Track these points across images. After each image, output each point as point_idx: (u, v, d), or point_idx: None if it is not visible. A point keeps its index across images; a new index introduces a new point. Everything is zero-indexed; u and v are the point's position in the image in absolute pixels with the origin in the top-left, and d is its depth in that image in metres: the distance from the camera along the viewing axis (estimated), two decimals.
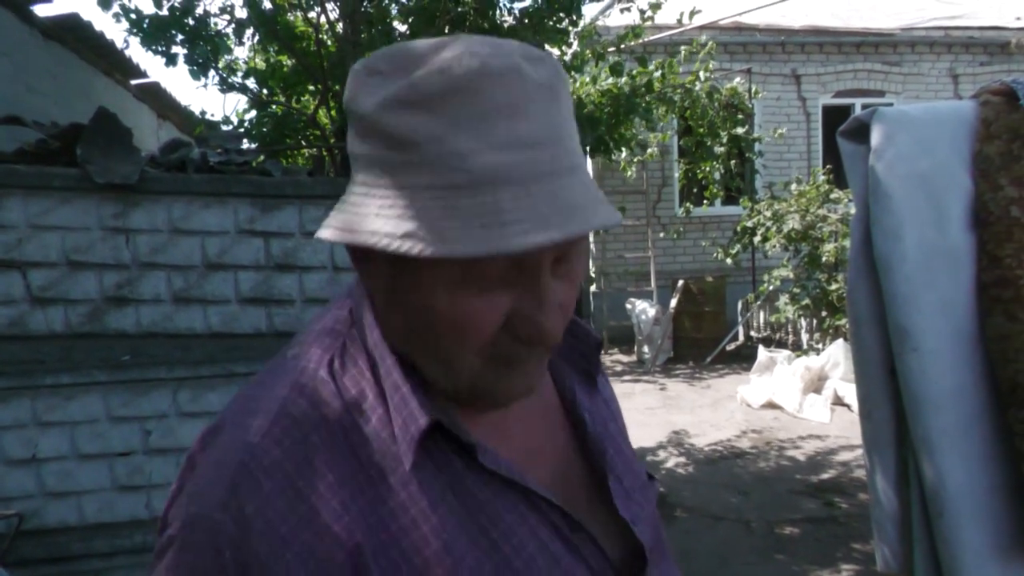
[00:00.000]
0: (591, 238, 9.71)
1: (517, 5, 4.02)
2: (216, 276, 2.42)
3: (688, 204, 9.11)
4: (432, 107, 0.53)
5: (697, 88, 7.92)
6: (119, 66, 4.78)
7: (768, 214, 7.76)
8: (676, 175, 9.42)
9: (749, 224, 7.95)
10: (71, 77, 4.07)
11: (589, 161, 9.44)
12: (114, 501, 2.34)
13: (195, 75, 3.38)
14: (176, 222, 2.41)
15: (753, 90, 8.88)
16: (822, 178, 7.56)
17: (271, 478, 0.56)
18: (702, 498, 4.47)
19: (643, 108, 4.16)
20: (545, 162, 0.54)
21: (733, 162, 8.85)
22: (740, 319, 8.83)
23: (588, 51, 4.77)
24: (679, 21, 5.51)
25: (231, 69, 4.03)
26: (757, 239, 7.83)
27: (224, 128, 4.37)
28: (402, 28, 3.88)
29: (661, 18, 6.93)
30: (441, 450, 0.62)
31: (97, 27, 4.16)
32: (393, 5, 3.79)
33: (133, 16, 3.54)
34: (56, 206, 2.31)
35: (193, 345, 2.39)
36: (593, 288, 9.72)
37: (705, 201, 9.05)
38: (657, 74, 6.77)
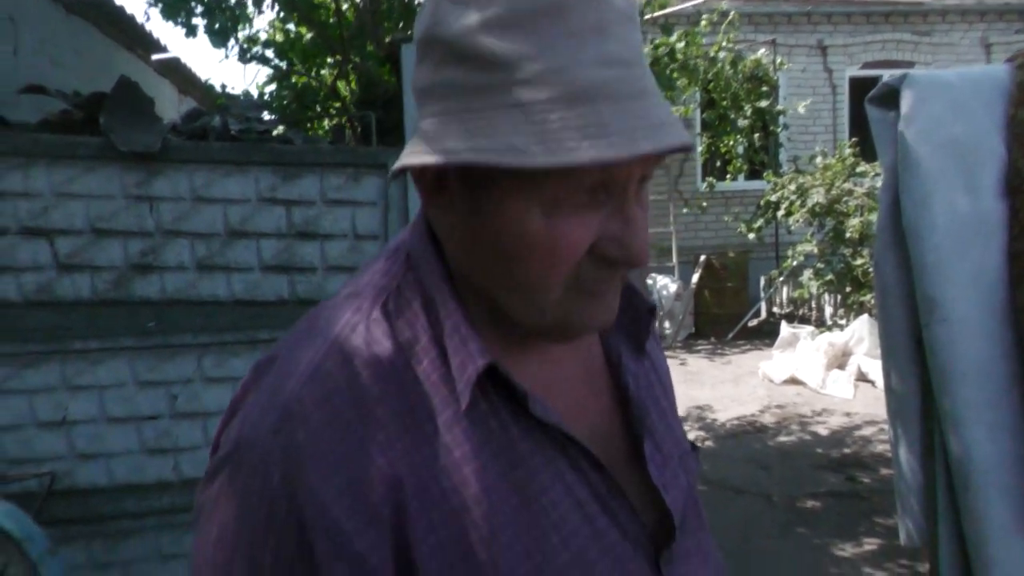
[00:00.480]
0: None
1: None
2: (239, 244, 2.44)
3: (711, 179, 8.99)
4: (525, 26, 0.53)
5: (720, 59, 7.79)
6: (140, 40, 4.80)
7: (792, 188, 7.63)
8: (698, 149, 9.30)
9: (773, 199, 7.84)
10: (93, 51, 4.09)
11: None
12: (143, 463, 2.40)
13: (216, 44, 3.38)
14: (198, 190, 2.43)
15: (778, 61, 8.71)
16: (848, 151, 7.42)
17: (321, 409, 0.56)
18: (723, 472, 4.47)
19: (666, 78, 4.08)
20: (635, 80, 0.55)
21: (757, 135, 8.71)
22: (763, 295, 8.75)
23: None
24: None
25: (251, 41, 4.03)
26: (780, 213, 7.73)
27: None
28: None
29: None
30: (489, 397, 0.62)
31: (118, 1, 4.17)
32: None
33: None
34: (80, 175, 2.34)
35: (217, 312, 2.42)
36: None
37: (728, 175, 8.94)
38: (680, 44, 6.66)
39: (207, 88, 6.19)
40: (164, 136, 2.36)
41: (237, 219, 2.45)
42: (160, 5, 3.47)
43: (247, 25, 3.84)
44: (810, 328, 6.99)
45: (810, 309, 8.20)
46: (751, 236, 8.30)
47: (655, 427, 0.73)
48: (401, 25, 3.60)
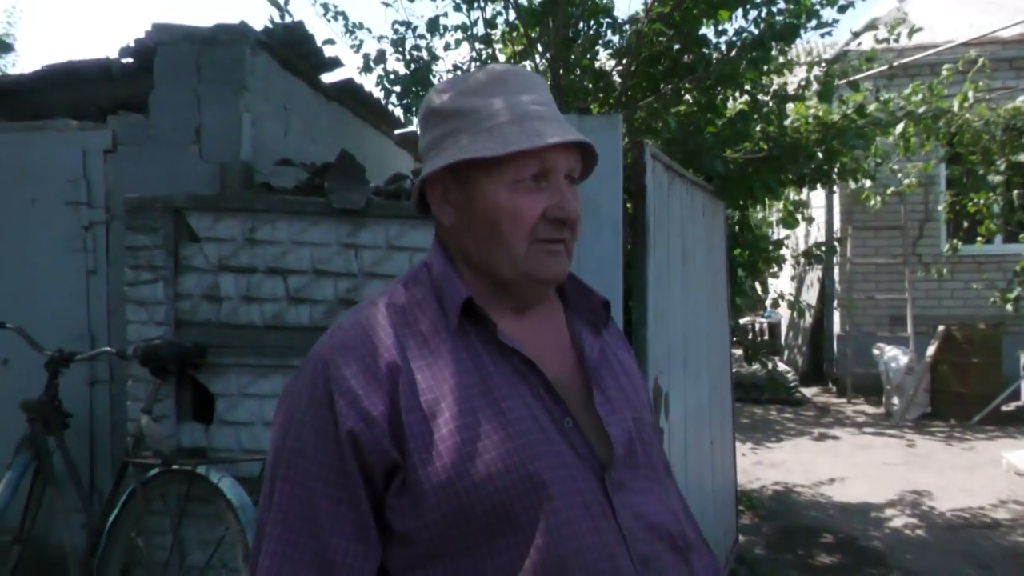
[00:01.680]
0: (836, 276, 9.00)
1: (724, 39, 4.07)
2: None
3: (956, 241, 8.05)
4: (482, 90, 0.94)
5: (967, 110, 7.05)
6: (384, 119, 5.71)
7: None
8: (940, 207, 8.39)
9: None
10: (346, 130, 4.98)
11: (836, 194, 8.81)
12: None
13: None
14: (392, 240, 2.93)
15: None
16: None
17: (352, 328, 0.92)
18: (930, 565, 3.99)
19: (855, 136, 3.92)
20: (554, 113, 0.95)
21: (1016, 192, 7.64)
22: (1023, 374, 7.53)
23: (824, 76, 4.61)
24: (895, 40, 5.06)
25: None
26: None
27: None
28: (609, 66, 4.16)
29: (926, 37, 6.33)
30: (471, 333, 0.93)
31: (367, 88, 5.06)
32: (600, 49, 4.10)
33: (391, 77, 4.29)
34: (309, 227, 2.96)
35: None
36: (837, 330, 8.98)
37: (979, 238, 7.92)
38: (915, 97, 6.20)
39: None
40: (368, 196, 2.91)
41: None
42: (392, 92, 4.18)
43: None
44: None
45: None
46: (1008, 307, 7.26)
47: (607, 386, 0.98)
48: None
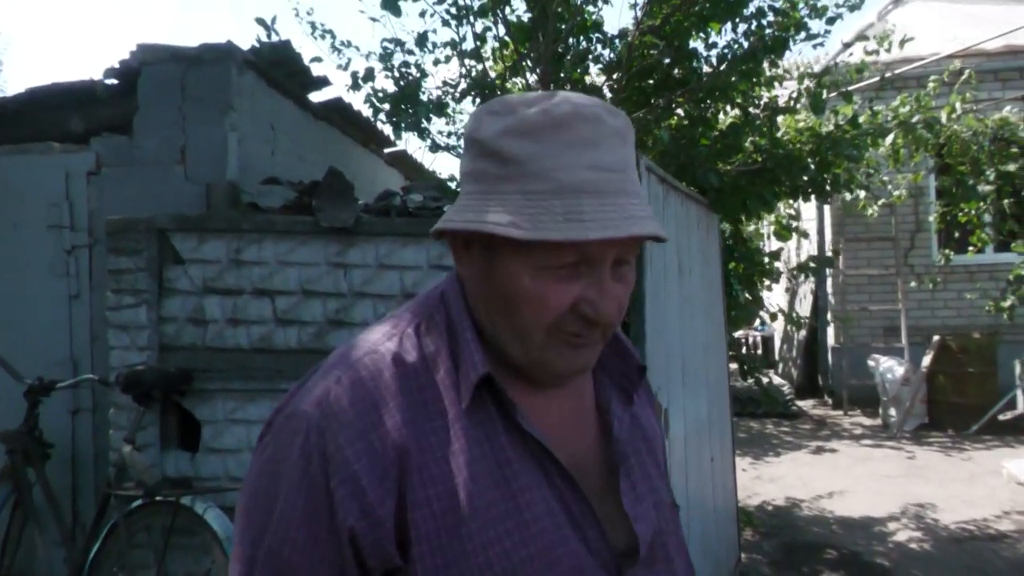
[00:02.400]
0: (829, 288, 8.99)
1: (714, 52, 4.06)
2: None
3: (947, 251, 8.05)
4: (535, 135, 0.74)
5: (954, 121, 7.08)
6: (373, 138, 5.68)
7: None
8: (931, 218, 8.41)
9: None
10: (335, 149, 4.93)
11: (827, 207, 8.83)
12: None
13: (420, 136, 3.99)
14: (382, 258, 2.87)
15: None
16: None
17: (352, 392, 0.75)
18: None
19: (849, 146, 3.90)
20: (616, 183, 0.74)
21: (1006, 202, 7.67)
22: (1019, 383, 7.50)
23: (815, 88, 4.61)
24: (886, 50, 5.07)
25: (452, 135, 4.60)
26: None
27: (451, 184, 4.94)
28: (600, 81, 4.14)
29: (912, 50, 6.37)
30: (488, 405, 0.78)
31: (356, 107, 5.02)
32: (591, 64, 4.08)
33: (380, 94, 4.25)
34: (297, 247, 2.90)
35: None
36: (832, 342, 8.94)
37: (971, 247, 7.93)
38: (904, 109, 6.22)
39: (430, 175, 7.05)
40: (358, 214, 2.85)
41: (411, 282, 2.84)
42: (380, 111, 4.14)
43: (448, 119, 4.41)
44: None
45: None
46: (1004, 316, 7.25)
47: (632, 469, 0.86)
48: None
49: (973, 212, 7.69)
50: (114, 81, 3.68)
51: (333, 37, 4.34)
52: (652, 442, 0.94)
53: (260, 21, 3.98)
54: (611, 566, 0.79)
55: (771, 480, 5.90)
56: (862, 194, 6.68)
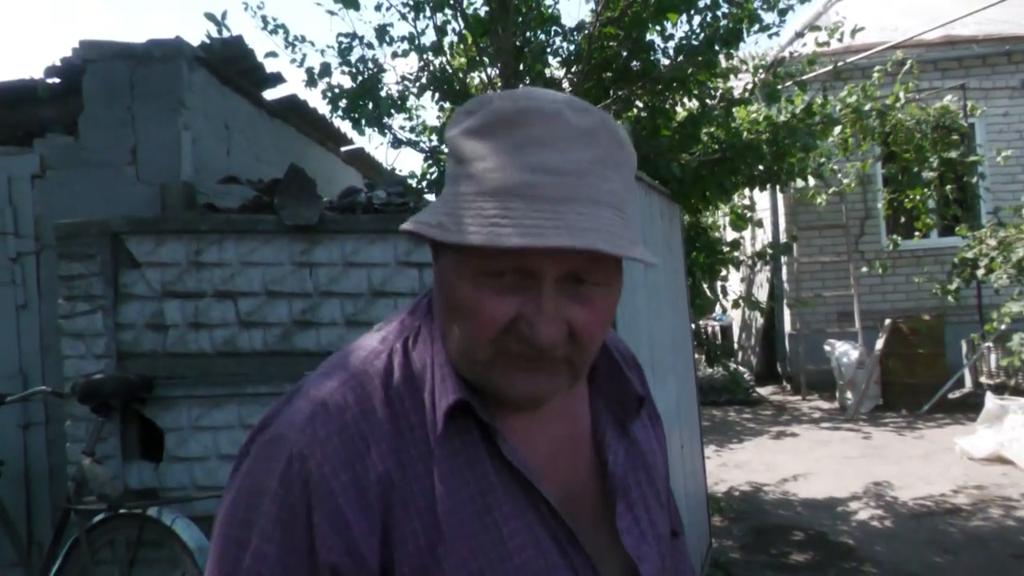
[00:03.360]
0: (784, 276, 9.20)
1: (671, 44, 4.09)
2: (380, 302, 2.77)
3: (895, 237, 8.31)
4: (486, 133, 0.67)
5: (899, 110, 7.31)
6: (330, 136, 5.58)
7: (992, 243, 6.86)
8: (879, 205, 8.67)
9: (969, 255, 7.09)
10: (291, 147, 4.83)
11: (780, 196, 9.02)
12: None
13: (381, 132, 3.93)
14: (348, 256, 2.81)
15: (969, 107, 7.99)
16: None
17: (337, 419, 0.70)
18: (898, 555, 4.03)
19: (806, 135, 3.99)
20: (563, 188, 0.64)
21: (949, 188, 7.96)
22: (966, 362, 7.80)
23: (765, 79, 4.69)
24: (839, 40, 5.19)
25: (412, 130, 4.55)
26: (980, 272, 6.95)
27: (412, 182, 4.88)
28: (560, 74, 4.14)
29: (858, 39, 6.55)
30: (472, 430, 0.72)
31: (311, 105, 4.92)
32: (549, 56, 4.07)
33: (336, 90, 4.17)
34: (260, 246, 2.82)
35: None
36: (788, 329, 9.15)
37: (917, 233, 8.20)
38: (850, 99, 6.40)
39: (388, 173, 6.97)
40: (322, 211, 2.78)
41: (379, 280, 2.79)
42: (338, 108, 4.07)
43: (408, 114, 4.36)
44: (1023, 400, 6.10)
45: None
46: (949, 298, 7.52)
47: (635, 504, 0.81)
48: None
49: (918, 198, 7.97)
50: (56, 80, 3.53)
51: (286, 32, 4.25)
52: (652, 471, 0.88)
53: (210, 16, 3.86)
54: None
55: (736, 466, 6.01)
56: (813, 183, 6.86)
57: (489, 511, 0.71)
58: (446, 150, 0.74)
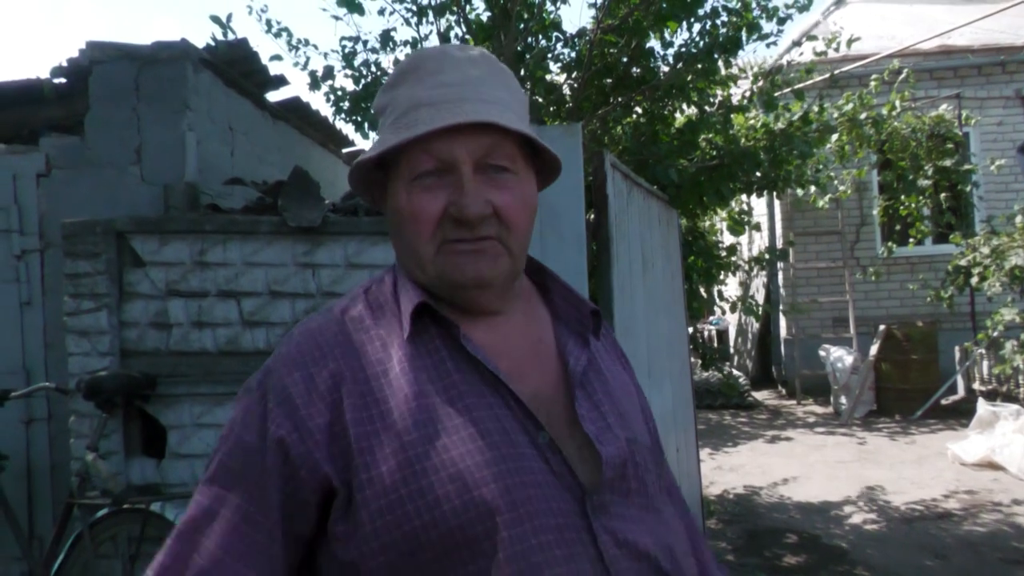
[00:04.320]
0: (780, 281, 9.25)
1: (671, 51, 4.15)
2: None
3: (890, 243, 8.38)
4: (394, 84, 0.87)
5: (895, 118, 7.38)
6: (332, 138, 5.62)
7: (986, 251, 6.93)
8: (875, 211, 8.73)
9: (963, 263, 7.16)
10: (293, 149, 4.87)
11: (777, 202, 9.08)
12: None
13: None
14: (351, 257, 2.85)
15: (964, 116, 8.06)
16: None
17: (302, 341, 0.83)
18: (890, 559, 4.07)
19: (802, 143, 4.05)
20: (454, 93, 0.81)
21: (943, 195, 8.03)
22: (959, 369, 7.86)
23: (761, 88, 4.74)
24: (835, 50, 5.25)
25: None
26: (974, 280, 7.01)
27: None
28: (560, 79, 4.19)
29: (855, 48, 6.61)
30: (434, 338, 0.83)
31: (314, 107, 4.96)
32: (550, 62, 4.13)
33: (340, 93, 4.22)
34: (263, 247, 2.86)
35: None
36: (784, 334, 9.21)
37: (911, 240, 8.28)
38: (847, 107, 6.46)
39: None
40: (325, 213, 2.82)
41: None
42: (341, 110, 4.11)
43: None
44: (1015, 407, 6.16)
45: (1016, 385, 7.22)
46: (944, 305, 7.58)
47: (599, 401, 0.87)
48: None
49: (913, 206, 8.04)
50: (62, 80, 3.56)
51: (289, 35, 4.29)
52: (624, 387, 0.95)
53: (215, 19, 3.91)
54: (575, 489, 0.78)
55: (731, 469, 6.05)
56: (813, 189, 6.91)
57: (453, 402, 0.79)
58: (376, 115, 0.90)
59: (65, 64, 3.49)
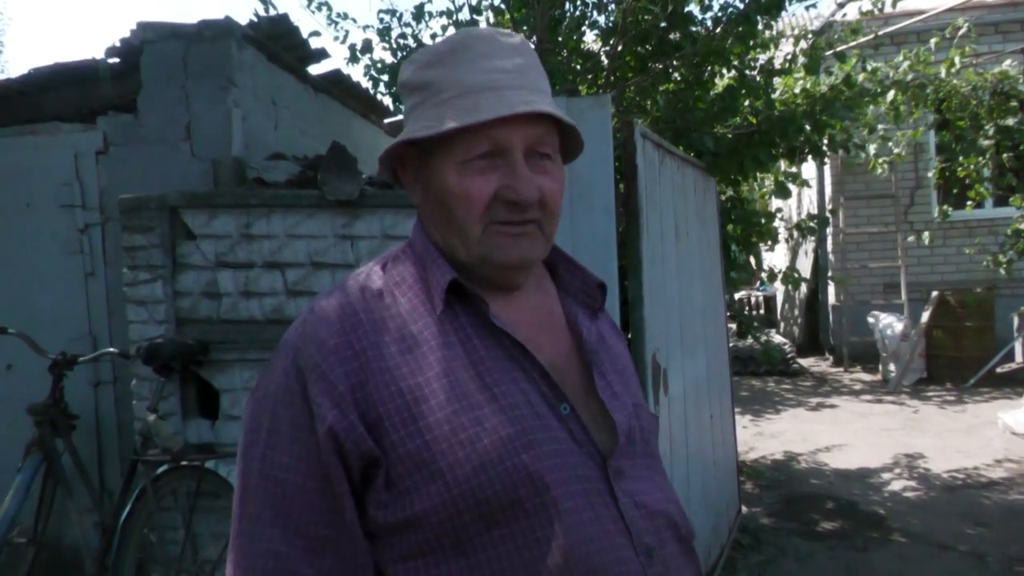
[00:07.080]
0: (829, 247, 9.05)
1: (709, 15, 4.07)
2: None
3: (946, 207, 8.09)
4: (442, 60, 0.87)
5: (953, 76, 7.07)
6: (374, 109, 5.70)
7: None
8: (930, 174, 8.42)
9: (1022, 227, 6.89)
10: (335, 121, 4.97)
11: (827, 167, 8.83)
12: None
13: None
14: (387, 229, 2.95)
15: None
16: None
17: (325, 316, 0.86)
18: (929, 526, 4.06)
19: (843, 107, 3.94)
20: (516, 80, 0.85)
21: (1005, 156, 7.69)
22: (1016, 336, 7.61)
23: (808, 50, 4.61)
24: (880, 9, 5.02)
25: None
26: None
27: None
28: (596, 46, 4.16)
29: (912, 3, 6.32)
30: (460, 315, 0.87)
31: (355, 79, 5.05)
32: (587, 30, 4.10)
33: (379, 66, 4.29)
34: (304, 220, 2.98)
35: None
36: (832, 300, 9.04)
37: (969, 203, 7.97)
38: (904, 64, 6.22)
39: None
40: (362, 187, 2.93)
41: None
42: (380, 82, 4.18)
43: None
44: None
45: None
46: (1001, 270, 7.33)
47: (606, 370, 0.94)
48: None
49: (972, 167, 7.72)
50: (116, 60, 3.72)
51: (329, 9, 4.37)
52: (622, 359, 1.02)
53: None
54: (595, 455, 0.85)
55: (772, 436, 6.05)
56: (864, 153, 6.69)
57: (480, 377, 0.84)
58: (403, 94, 0.91)
59: (118, 44, 3.64)
